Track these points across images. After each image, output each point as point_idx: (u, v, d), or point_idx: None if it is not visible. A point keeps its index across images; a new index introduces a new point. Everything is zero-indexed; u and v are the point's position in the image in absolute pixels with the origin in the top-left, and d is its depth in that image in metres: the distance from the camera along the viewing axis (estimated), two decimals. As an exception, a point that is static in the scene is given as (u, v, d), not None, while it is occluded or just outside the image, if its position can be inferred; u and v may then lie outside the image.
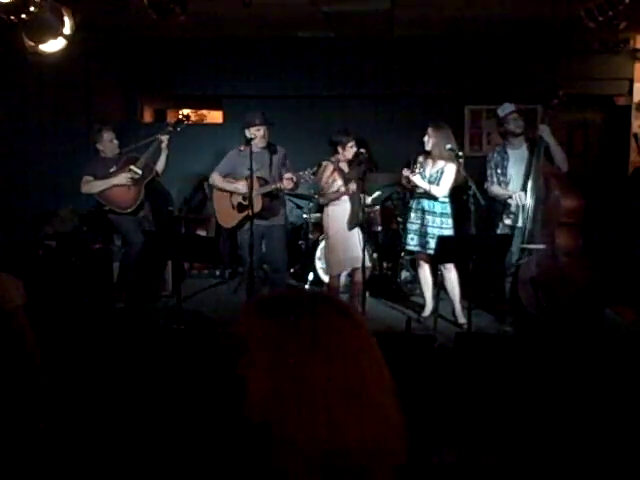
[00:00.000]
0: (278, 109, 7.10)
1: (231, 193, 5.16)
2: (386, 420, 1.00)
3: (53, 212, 6.04)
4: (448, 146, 4.95)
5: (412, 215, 5.23)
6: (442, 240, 4.70)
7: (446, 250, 4.61)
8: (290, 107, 7.13)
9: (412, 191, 5.26)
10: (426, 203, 5.13)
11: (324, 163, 5.19)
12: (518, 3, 5.48)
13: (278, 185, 4.92)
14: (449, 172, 5.02)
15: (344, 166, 5.20)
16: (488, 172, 5.15)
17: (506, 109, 5.02)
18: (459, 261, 5.04)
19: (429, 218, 5.11)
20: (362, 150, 4.95)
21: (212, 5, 5.32)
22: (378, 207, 6.33)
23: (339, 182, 5.16)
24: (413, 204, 5.25)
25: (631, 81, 6.71)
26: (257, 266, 5.19)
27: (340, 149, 5.10)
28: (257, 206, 4.94)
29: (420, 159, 5.16)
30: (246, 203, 4.99)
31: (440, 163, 5.05)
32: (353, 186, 5.02)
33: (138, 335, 4.63)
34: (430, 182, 5.03)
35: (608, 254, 5.21)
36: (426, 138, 5.07)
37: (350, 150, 5.07)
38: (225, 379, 1.05)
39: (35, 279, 4.91)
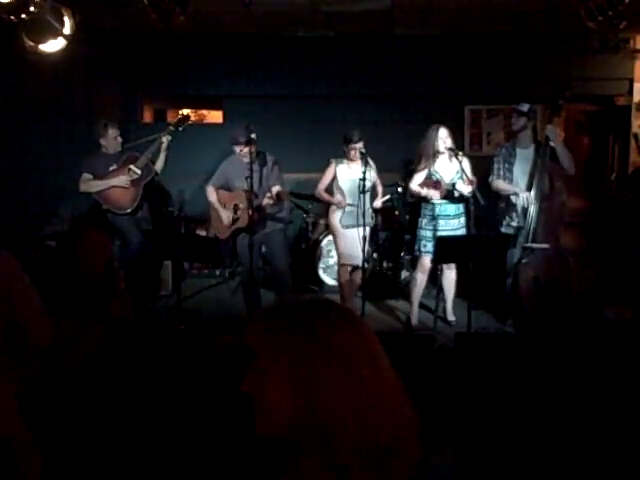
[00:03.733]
0: (278, 109, 7.11)
1: (224, 204, 5.14)
2: (402, 418, 1.02)
3: (53, 212, 6.03)
4: (448, 145, 4.94)
5: (441, 222, 5.03)
6: (442, 240, 4.69)
7: (446, 250, 4.60)
8: (290, 107, 7.13)
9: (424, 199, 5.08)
10: (438, 208, 5.03)
11: (331, 160, 5.23)
12: (518, 3, 5.48)
13: (258, 202, 4.87)
14: (467, 164, 4.97)
15: (351, 165, 5.19)
16: (495, 166, 5.10)
17: (525, 106, 4.99)
18: (459, 261, 5.03)
19: (459, 221, 5.03)
20: (363, 150, 4.95)
21: (212, 5, 5.32)
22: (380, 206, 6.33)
23: (338, 181, 5.17)
24: (426, 211, 5.09)
25: (631, 81, 6.72)
26: (257, 268, 5.18)
27: (344, 146, 5.10)
28: (244, 221, 4.93)
29: (424, 165, 5.07)
30: (237, 216, 5.00)
31: (454, 160, 4.96)
32: (343, 202, 5.07)
33: (138, 335, 4.62)
34: (457, 181, 4.97)
35: (608, 254, 5.20)
36: (442, 139, 4.94)
37: (351, 151, 5.07)
38: (232, 396, 1.05)
39: (35, 279, 4.90)
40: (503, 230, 5.06)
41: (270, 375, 0.98)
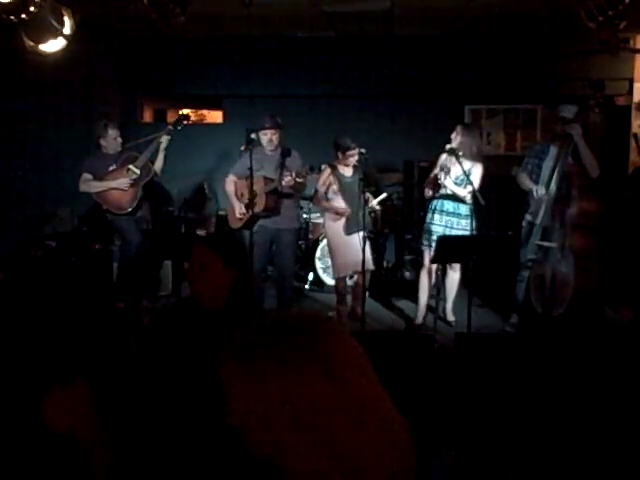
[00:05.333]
0: (278, 109, 7.08)
1: (242, 194, 5.15)
2: (394, 442, 0.96)
3: (53, 212, 6.04)
4: (448, 146, 4.93)
5: (436, 217, 5.10)
6: (442, 240, 4.69)
7: (446, 250, 4.59)
8: (290, 107, 7.12)
9: (434, 192, 5.12)
10: (451, 205, 5.04)
11: (323, 166, 5.23)
12: (518, 3, 5.48)
13: (277, 183, 4.88)
14: (477, 173, 4.95)
15: (345, 170, 5.20)
16: (525, 159, 5.10)
17: (572, 110, 4.87)
18: (459, 261, 5.04)
19: (454, 220, 5.03)
20: (362, 150, 4.94)
21: (212, 5, 5.32)
22: (379, 207, 6.32)
23: (335, 187, 5.18)
24: (437, 205, 5.12)
25: (631, 81, 6.72)
26: (261, 267, 5.17)
27: (340, 154, 5.11)
28: (260, 205, 4.94)
29: (443, 158, 5.09)
30: (255, 201, 4.98)
31: (466, 164, 4.93)
32: (348, 210, 5.09)
33: (138, 335, 4.63)
34: (457, 184, 4.95)
35: (608, 254, 5.20)
36: (453, 135, 4.97)
37: (350, 158, 5.08)
38: (218, 426, 1.00)
39: (35, 279, 4.91)
40: (523, 224, 5.06)
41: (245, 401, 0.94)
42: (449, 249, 4.61)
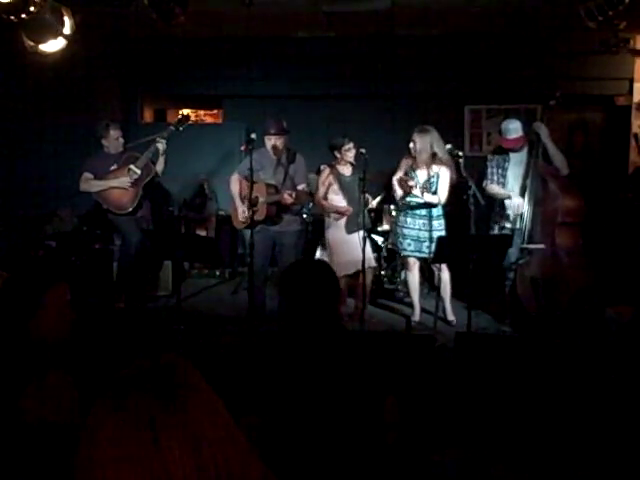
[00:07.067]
0: (278, 109, 7.10)
1: (245, 196, 5.12)
2: None
3: (53, 212, 6.04)
4: (448, 146, 4.92)
5: (408, 220, 5.14)
6: (441, 240, 4.69)
7: (445, 250, 4.60)
8: (290, 107, 7.12)
9: (405, 194, 5.13)
10: (423, 208, 5.07)
11: (322, 167, 5.23)
12: (518, 3, 5.48)
13: (278, 198, 4.87)
14: (444, 177, 4.97)
15: (344, 170, 5.19)
16: (488, 170, 5.14)
17: (517, 129, 4.97)
18: (459, 261, 5.04)
19: (426, 222, 5.06)
20: (362, 150, 4.94)
21: (212, 5, 5.32)
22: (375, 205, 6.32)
23: (335, 187, 5.17)
24: (408, 209, 5.16)
25: (631, 81, 6.71)
26: (261, 267, 5.15)
27: (337, 153, 5.12)
28: (261, 214, 4.92)
29: (405, 161, 5.11)
30: (255, 209, 4.93)
31: (433, 168, 4.98)
32: (350, 209, 5.07)
33: (138, 335, 4.63)
34: (425, 188, 4.97)
35: (608, 254, 5.21)
36: (412, 145, 5.00)
37: (347, 153, 5.07)
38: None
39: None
40: (495, 233, 5.10)
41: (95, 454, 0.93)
42: (448, 249, 4.62)
